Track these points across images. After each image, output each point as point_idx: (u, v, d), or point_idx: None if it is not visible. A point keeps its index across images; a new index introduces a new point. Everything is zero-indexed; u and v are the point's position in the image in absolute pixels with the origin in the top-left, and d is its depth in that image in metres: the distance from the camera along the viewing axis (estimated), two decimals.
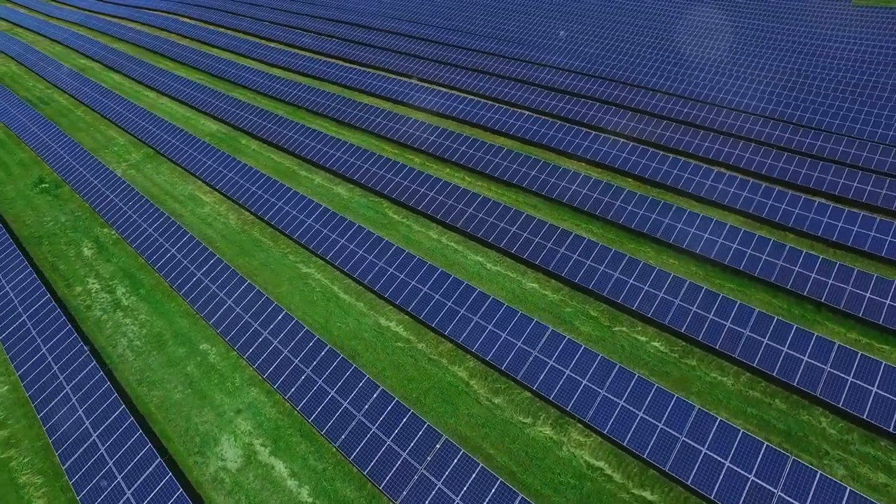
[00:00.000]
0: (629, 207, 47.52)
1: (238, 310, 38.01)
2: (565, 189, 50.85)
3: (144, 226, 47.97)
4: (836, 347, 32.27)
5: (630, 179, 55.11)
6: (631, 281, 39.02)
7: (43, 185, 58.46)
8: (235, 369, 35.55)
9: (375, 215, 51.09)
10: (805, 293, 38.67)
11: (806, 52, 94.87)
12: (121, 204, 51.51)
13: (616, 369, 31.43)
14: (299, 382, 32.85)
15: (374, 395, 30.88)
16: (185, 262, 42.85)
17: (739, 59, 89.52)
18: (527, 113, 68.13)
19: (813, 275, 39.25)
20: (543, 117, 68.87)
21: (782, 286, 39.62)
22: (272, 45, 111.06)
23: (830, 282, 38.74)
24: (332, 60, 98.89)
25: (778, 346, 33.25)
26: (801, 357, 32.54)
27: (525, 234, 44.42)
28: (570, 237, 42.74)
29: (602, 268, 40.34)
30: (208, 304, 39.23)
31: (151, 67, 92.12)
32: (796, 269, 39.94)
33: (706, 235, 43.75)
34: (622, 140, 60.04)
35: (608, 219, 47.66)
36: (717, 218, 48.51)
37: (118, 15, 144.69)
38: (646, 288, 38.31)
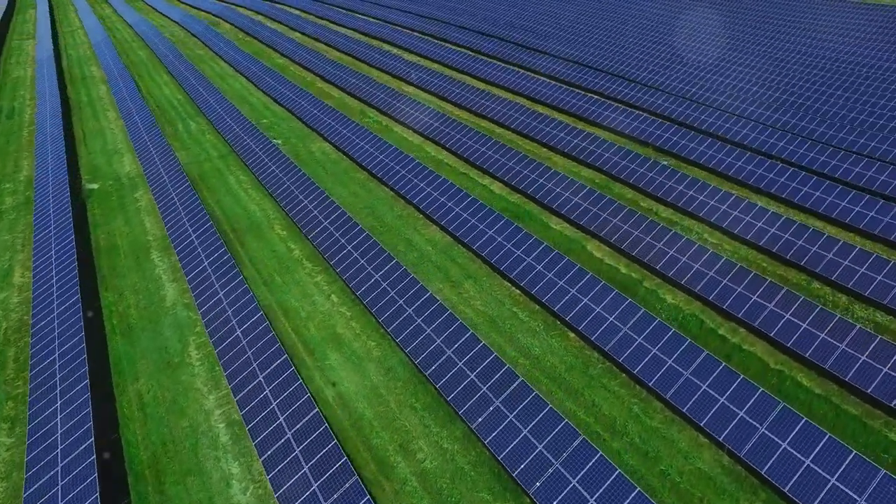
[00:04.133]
0: None
1: None
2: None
3: None
4: None
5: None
6: None
7: None
8: None
9: (164, 356, 36.31)
10: None
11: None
12: None
13: None
14: None
15: None
16: None
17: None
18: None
19: None
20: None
21: None
22: (289, 65, 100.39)
23: None
24: (330, 91, 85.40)
25: None
26: None
27: None
28: None
29: None
30: None
31: (129, 83, 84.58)
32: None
33: None
34: None
35: None
36: None
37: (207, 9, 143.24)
38: None
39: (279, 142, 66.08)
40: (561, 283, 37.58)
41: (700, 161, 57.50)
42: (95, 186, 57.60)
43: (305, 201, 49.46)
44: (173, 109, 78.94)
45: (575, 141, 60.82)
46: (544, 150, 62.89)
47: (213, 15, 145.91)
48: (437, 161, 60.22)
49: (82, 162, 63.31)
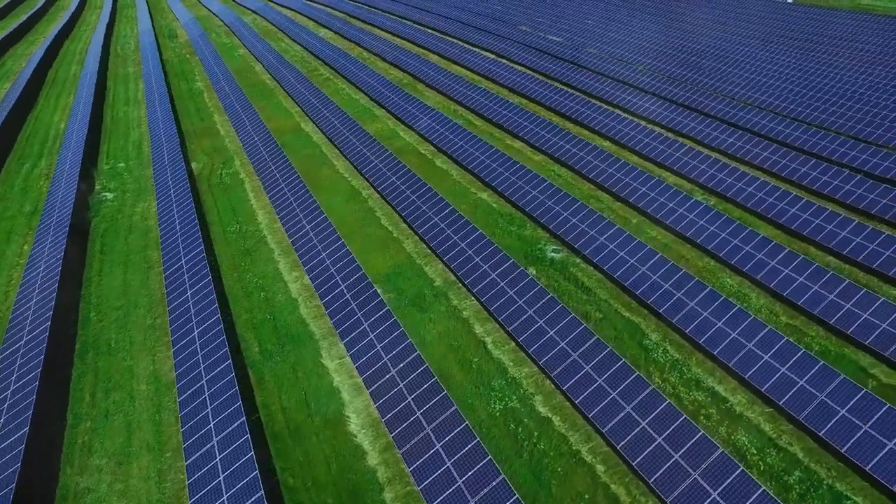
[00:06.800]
0: None
1: None
2: None
3: None
4: None
5: None
6: None
7: None
8: None
9: None
10: None
11: None
12: None
13: None
14: None
15: None
16: None
17: None
18: None
19: None
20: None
21: None
22: None
23: None
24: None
25: None
26: None
27: None
28: None
29: None
30: None
31: (10, 106, 77.22)
32: None
33: None
34: None
35: None
36: None
37: None
38: None
39: (109, 196, 56.52)
40: None
41: (594, 257, 43.79)
42: None
43: (34, 298, 39.34)
44: (42, 144, 70.88)
45: (438, 227, 48.21)
46: (420, 247, 50.55)
47: (181, 26, 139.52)
48: (257, 238, 48.95)
49: None
